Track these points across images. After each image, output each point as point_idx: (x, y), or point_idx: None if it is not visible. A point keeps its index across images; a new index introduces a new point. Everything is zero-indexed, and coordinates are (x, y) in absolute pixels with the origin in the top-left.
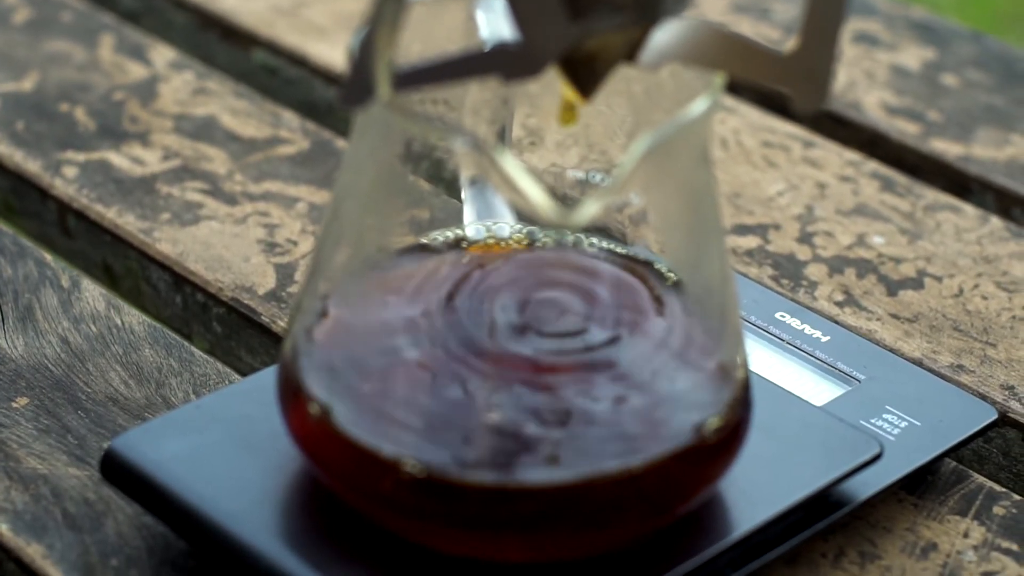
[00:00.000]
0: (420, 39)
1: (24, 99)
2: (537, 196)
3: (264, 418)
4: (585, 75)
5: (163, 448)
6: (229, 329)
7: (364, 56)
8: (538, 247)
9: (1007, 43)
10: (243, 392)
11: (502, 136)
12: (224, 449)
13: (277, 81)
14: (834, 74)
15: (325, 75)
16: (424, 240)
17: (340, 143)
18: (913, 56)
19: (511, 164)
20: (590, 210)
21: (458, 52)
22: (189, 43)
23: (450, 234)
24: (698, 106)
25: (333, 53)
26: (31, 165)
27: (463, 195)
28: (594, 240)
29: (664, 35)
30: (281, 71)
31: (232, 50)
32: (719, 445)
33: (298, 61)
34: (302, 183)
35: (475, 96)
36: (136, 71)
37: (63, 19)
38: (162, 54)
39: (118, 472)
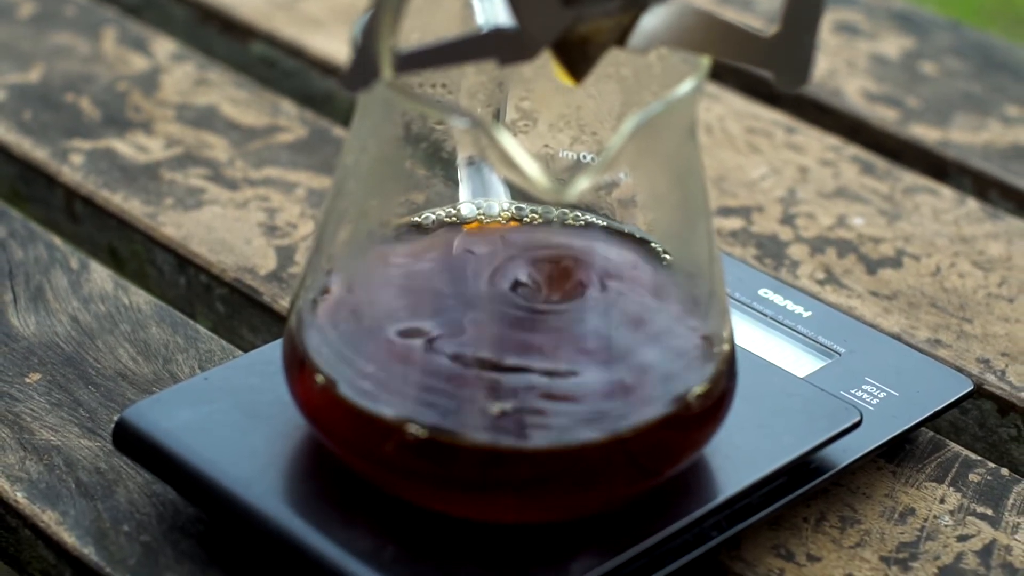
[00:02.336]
0: (419, 28)
1: (31, 90)
2: (533, 171)
3: (269, 388)
4: (577, 58)
5: (173, 417)
6: (232, 309)
7: (366, 40)
8: (530, 222)
9: (984, 32)
10: (248, 365)
11: (497, 118)
12: (231, 418)
13: (275, 73)
14: (815, 55)
15: (322, 66)
16: (422, 217)
17: (337, 131)
18: (893, 45)
19: (508, 141)
20: (582, 185)
21: (456, 36)
22: (189, 36)
23: (446, 211)
24: (685, 86)
25: (330, 45)
26: (39, 153)
27: (459, 174)
28: (585, 216)
29: (652, 19)
30: (279, 63)
31: (231, 43)
32: (704, 412)
33: (296, 53)
34: (301, 169)
35: (471, 79)
36: (138, 63)
37: (67, 13)
38: (163, 46)
39: (129, 441)
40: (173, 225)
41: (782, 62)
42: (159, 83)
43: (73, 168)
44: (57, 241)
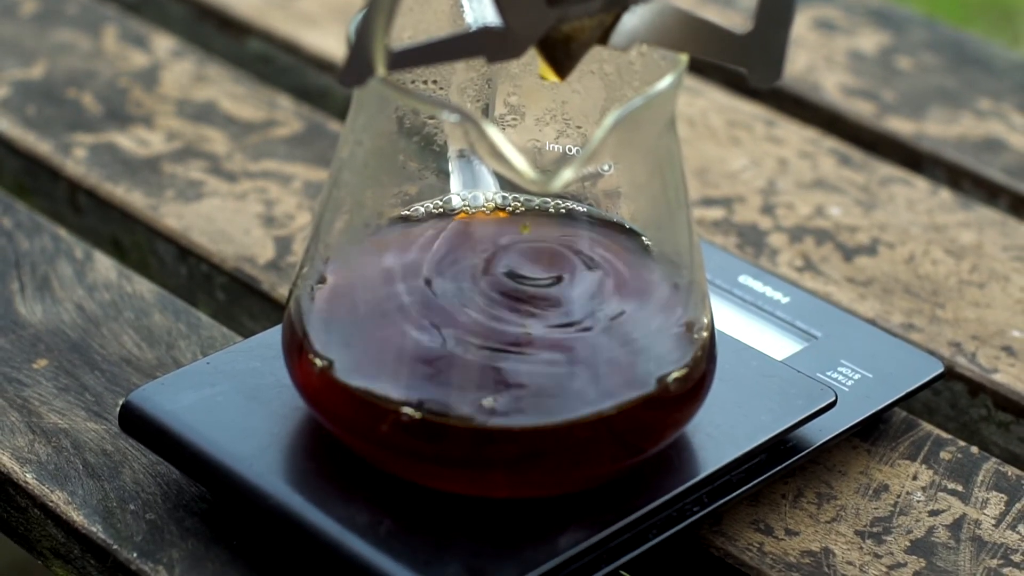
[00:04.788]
0: (411, 27)
1: (34, 86)
2: (519, 163)
3: (269, 372)
4: (562, 56)
5: (177, 400)
6: (231, 297)
7: (361, 39)
8: (517, 213)
9: (958, 29)
10: (249, 349)
11: (486, 112)
12: (233, 400)
13: (271, 69)
14: (788, 52)
15: (317, 62)
16: (414, 208)
17: (333, 125)
18: (869, 40)
19: (495, 134)
20: (566, 176)
21: (446, 35)
22: (187, 34)
23: (437, 202)
24: (664, 82)
25: (325, 41)
26: (43, 147)
27: (450, 166)
28: (569, 205)
29: (633, 18)
30: (276, 59)
31: (228, 40)
32: (685, 393)
33: (291, 49)
34: (298, 162)
35: (461, 76)
36: (138, 59)
37: (68, 11)
38: (162, 43)
39: (135, 423)
40: (174, 216)
41: (756, 59)
42: (159, 79)
43: (76, 161)
44: (62, 232)
